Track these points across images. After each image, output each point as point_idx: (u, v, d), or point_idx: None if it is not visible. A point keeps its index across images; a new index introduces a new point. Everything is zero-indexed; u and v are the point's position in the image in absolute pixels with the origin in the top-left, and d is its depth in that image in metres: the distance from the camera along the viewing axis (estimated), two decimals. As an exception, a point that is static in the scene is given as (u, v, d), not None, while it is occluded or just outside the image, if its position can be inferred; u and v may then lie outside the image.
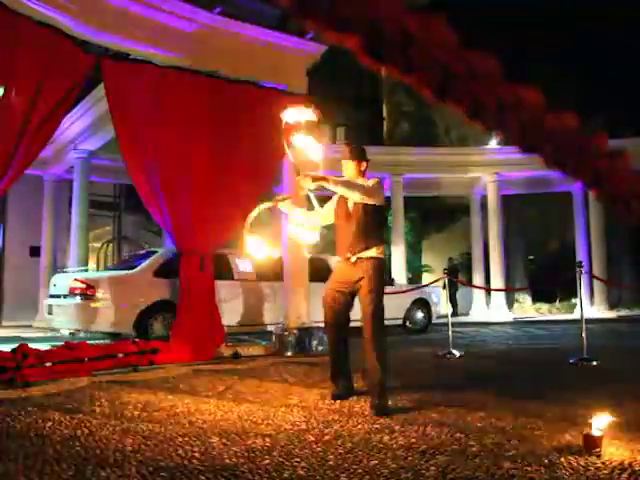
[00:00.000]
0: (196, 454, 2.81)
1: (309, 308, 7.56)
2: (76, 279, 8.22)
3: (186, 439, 3.08)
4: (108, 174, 13.30)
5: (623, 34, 16.40)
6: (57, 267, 13.09)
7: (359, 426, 3.36)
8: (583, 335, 6.25)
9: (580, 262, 7.27)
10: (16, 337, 9.47)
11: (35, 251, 13.32)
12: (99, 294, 7.95)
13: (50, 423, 3.47)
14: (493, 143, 16.93)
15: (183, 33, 7.24)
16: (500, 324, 13.75)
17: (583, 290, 6.76)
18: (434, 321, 11.46)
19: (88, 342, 6.79)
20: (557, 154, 1.55)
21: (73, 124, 10.63)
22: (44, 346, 6.68)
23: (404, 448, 2.88)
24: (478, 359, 6.86)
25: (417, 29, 1.38)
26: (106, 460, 2.69)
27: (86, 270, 9.44)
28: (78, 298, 7.99)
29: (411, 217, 18.42)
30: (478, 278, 15.94)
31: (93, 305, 7.94)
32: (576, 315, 10.89)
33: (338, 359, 4.40)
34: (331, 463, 2.65)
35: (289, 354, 7.18)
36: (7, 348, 6.09)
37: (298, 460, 2.69)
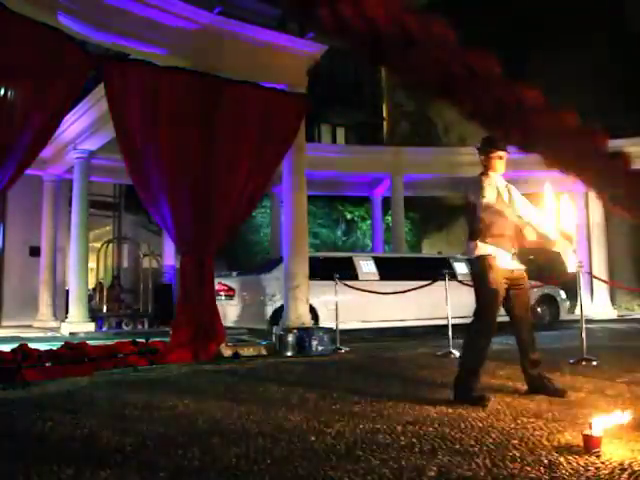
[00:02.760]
0: (196, 454, 2.81)
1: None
2: (219, 282, 9.27)
3: (186, 439, 3.08)
4: (108, 174, 13.27)
5: (623, 33, 16.41)
6: (57, 267, 13.09)
7: (360, 426, 3.36)
8: (583, 335, 6.25)
9: (580, 262, 7.26)
10: (16, 337, 9.48)
11: (35, 251, 13.32)
12: (238, 295, 9.26)
13: (50, 423, 3.47)
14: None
15: (183, 33, 7.24)
16: (500, 324, 13.72)
17: (583, 290, 6.74)
18: (563, 317, 11.40)
19: (88, 342, 6.80)
20: (557, 154, 1.55)
21: (73, 124, 10.62)
22: (44, 346, 6.68)
23: (405, 448, 2.88)
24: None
25: (417, 29, 1.38)
26: (106, 460, 2.69)
27: (229, 274, 10.47)
28: (222, 299, 9.08)
29: (411, 217, 18.44)
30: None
31: (234, 305, 9.24)
32: (576, 315, 10.93)
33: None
34: (332, 463, 2.65)
35: (289, 354, 7.18)
36: (7, 348, 6.10)
37: (299, 460, 2.69)
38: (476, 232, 4.27)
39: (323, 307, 9.29)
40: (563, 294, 11.52)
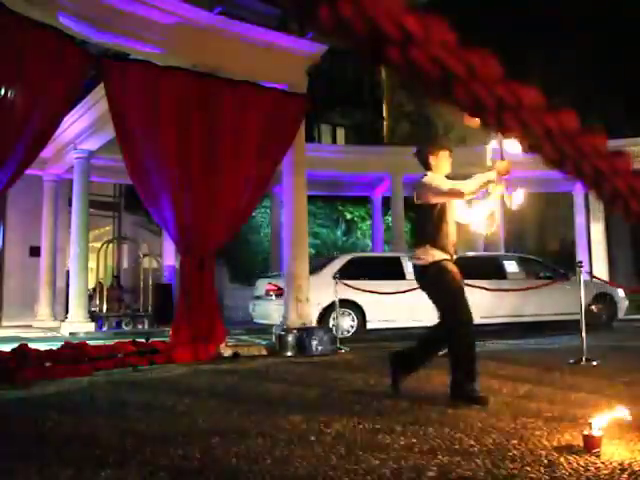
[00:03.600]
0: (196, 454, 2.81)
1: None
2: (269, 283, 9.91)
3: (186, 439, 3.08)
4: (108, 174, 13.27)
5: (623, 32, 16.41)
6: (57, 267, 13.08)
7: (360, 426, 3.36)
8: (583, 335, 6.25)
9: (580, 262, 7.26)
10: (16, 337, 9.48)
11: (35, 251, 13.32)
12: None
13: (50, 423, 3.47)
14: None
15: (183, 33, 7.24)
16: (500, 324, 13.71)
17: (582, 290, 6.74)
18: (621, 317, 11.26)
19: (88, 342, 6.80)
20: (557, 154, 1.55)
21: (73, 124, 10.62)
22: (44, 346, 6.68)
23: (405, 448, 2.88)
24: (477, 359, 6.85)
25: (417, 28, 1.38)
26: (106, 460, 2.69)
27: (278, 275, 10.62)
28: (272, 298, 9.59)
29: (411, 217, 18.43)
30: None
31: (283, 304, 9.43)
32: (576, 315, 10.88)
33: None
34: (332, 463, 2.65)
35: (289, 354, 7.18)
36: (7, 348, 6.10)
37: (299, 460, 2.69)
38: (427, 236, 4.15)
39: (370, 306, 9.51)
40: (621, 292, 11.25)
